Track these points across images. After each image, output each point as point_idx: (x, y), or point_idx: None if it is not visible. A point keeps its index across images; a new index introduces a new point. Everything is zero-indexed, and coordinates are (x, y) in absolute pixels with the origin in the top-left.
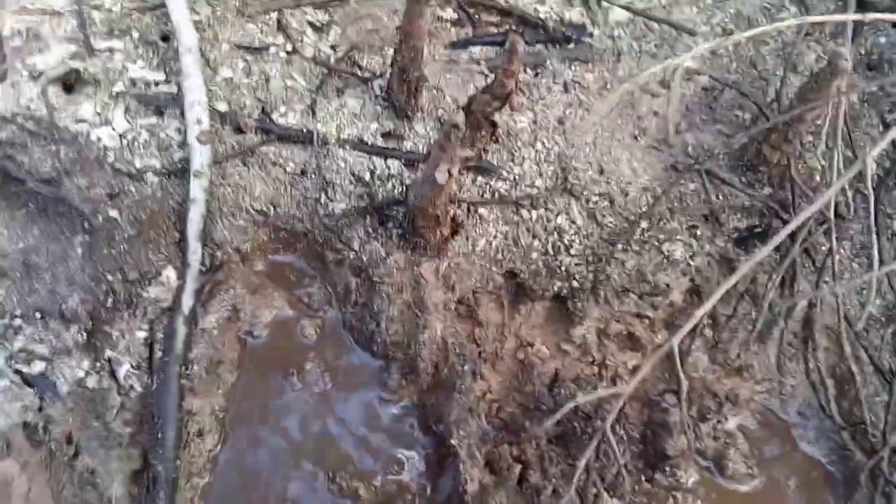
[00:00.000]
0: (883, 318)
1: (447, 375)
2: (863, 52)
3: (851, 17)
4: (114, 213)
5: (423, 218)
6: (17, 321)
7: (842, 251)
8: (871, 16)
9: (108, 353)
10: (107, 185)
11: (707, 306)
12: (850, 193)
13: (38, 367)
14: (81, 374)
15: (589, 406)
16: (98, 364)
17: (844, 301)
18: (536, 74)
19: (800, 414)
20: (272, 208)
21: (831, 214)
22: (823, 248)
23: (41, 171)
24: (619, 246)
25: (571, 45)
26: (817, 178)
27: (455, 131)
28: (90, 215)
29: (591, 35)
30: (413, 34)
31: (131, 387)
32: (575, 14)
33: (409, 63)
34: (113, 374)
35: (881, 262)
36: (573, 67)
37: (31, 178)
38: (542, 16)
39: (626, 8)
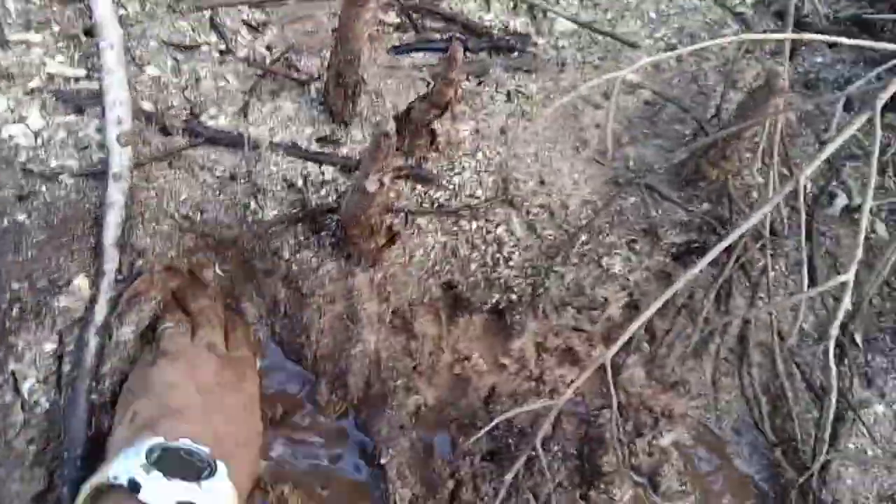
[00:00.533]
0: (815, 335)
1: (379, 391)
2: (801, 70)
3: (789, 36)
4: (21, 217)
5: (355, 227)
6: None
7: (777, 268)
8: (807, 36)
9: (13, 365)
10: (15, 186)
11: (641, 320)
12: (785, 211)
13: None
14: None
15: (525, 422)
16: (1, 378)
17: (778, 318)
18: (480, 83)
19: (734, 430)
20: (199, 214)
21: (766, 231)
22: (759, 264)
23: None
24: (559, 259)
25: (515, 55)
26: (755, 194)
27: (385, 140)
28: (5, 220)
29: (535, 45)
30: (350, 37)
31: (36, 402)
32: (520, 23)
33: (346, 67)
34: (17, 389)
35: (813, 281)
36: (517, 77)
37: None
38: (486, 23)
39: (572, 20)
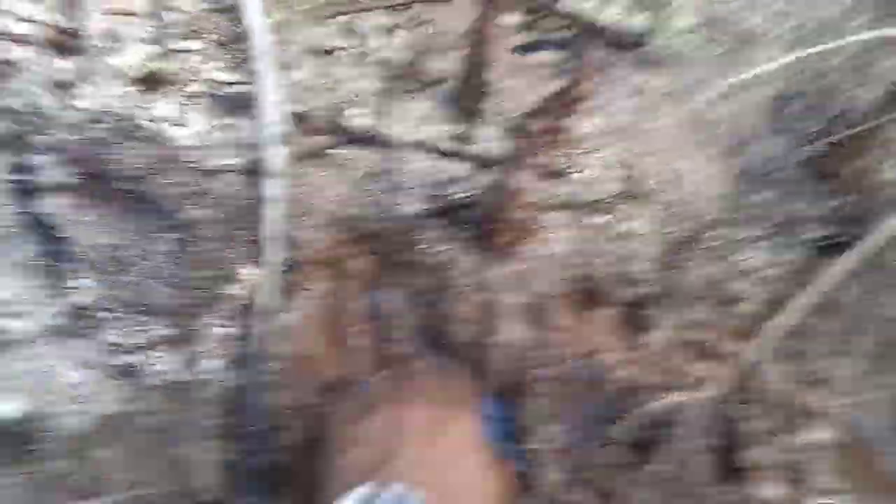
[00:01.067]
0: None
1: (519, 380)
2: None
3: None
4: (195, 212)
5: (493, 222)
6: (108, 314)
7: None
8: None
9: (194, 347)
10: (187, 184)
11: (786, 319)
12: None
13: (128, 358)
14: (169, 367)
15: (663, 414)
16: (185, 358)
17: None
18: (602, 79)
19: (884, 429)
20: (344, 209)
21: None
22: None
23: (127, 169)
24: (690, 253)
25: (636, 51)
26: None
27: (529, 137)
28: (173, 213)
29: (656, 41)
30: (479, 40)
31: (220, 380)
32: (639, 20)
33: (475, 68)
34: (199, 368)
35: None
36: (640, 73)
37: (117, 177)
38: (606, 21)
39: (693, 16)
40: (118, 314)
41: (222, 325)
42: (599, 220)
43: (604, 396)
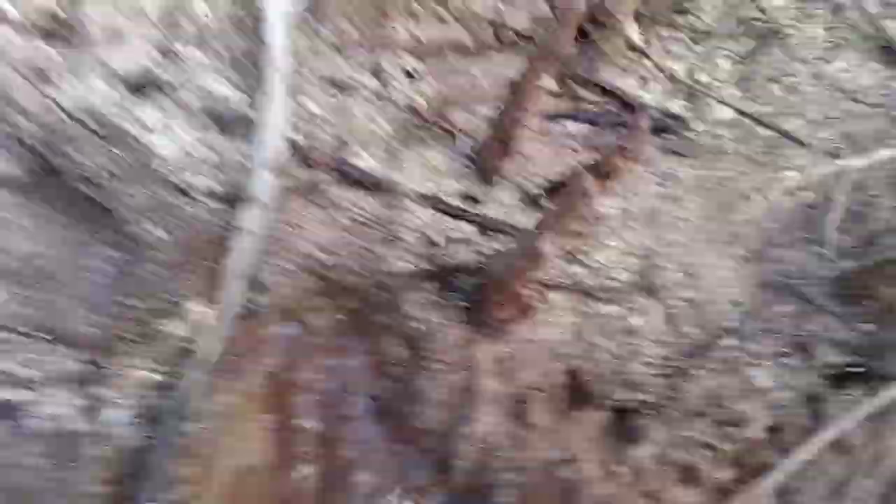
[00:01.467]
0: None
1: (484, 482)
2: None
3: None
4: (159, 232)
5: (500, 292)
6: (14, 336)
7: None
8: None
9: (105, 391)
10: (156, 199)
11: (794, 459)
12: None
13: (14, 393)
14: (64, 410)
15: None
16: (89, 402)
17: None
18: (633, 161)
19: None
20: (328, 256)
21: None
22: None
23: (92, 172)
24: (699, 361)
25: (671, 137)
26: None
27: (583, 196)
28: (134, 229)
29: (692, 130)
30: (520, 97)
31: (124, 438)
32: (677, 106)
33: (510, 125)
34: (101, 418)
35: None
36: (671, 160)
37: (79, 179)
38: (644, 102)
39: (734, 108)
40: (20, 337)
41: (146, 370)
42: (606, 309)
43: None
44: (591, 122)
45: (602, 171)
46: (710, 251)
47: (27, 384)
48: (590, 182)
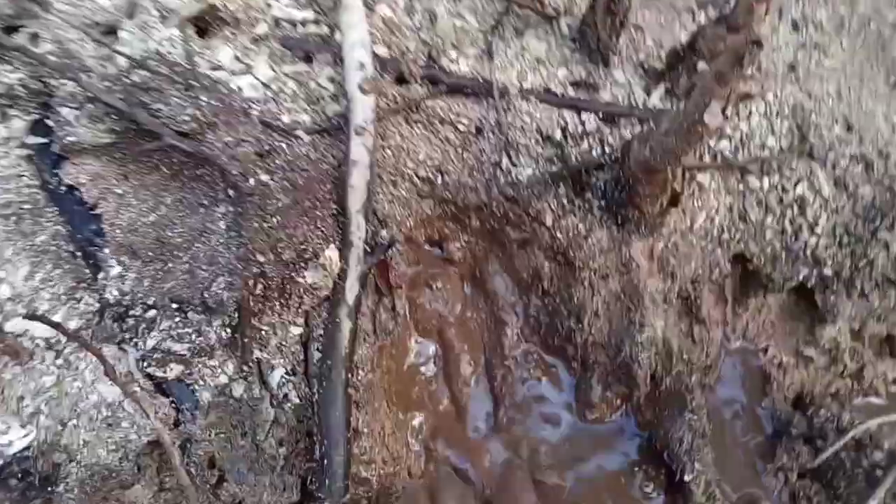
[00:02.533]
0: None
1: (670, 387)
2: None
3: None
4: (265, 177)
5: (648, 183)
6: (151, 312)
7: None
8: None
9: (257, 353)
10: (255, 142)
11: None
12: None
13: (174, 370)
14: (225, 379)
15: (861, 433)
16: (245, 368)
17: None
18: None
19: None
20: (439, 176)
21: None
22: None
23: (179, 121)
24: (883, 223)
25: None
26: None
27: (748, 52)
28: (239, 178)
29: None
30: None
31: (285, 396)
32: None
33: None
34: (263, 381)
35: None
36: (801, 2)
37: (168, 131)
38: None
39: None
40: (162, 312)
41: (292, 324)
42: (763, 182)
43: (770, 410)
44: None
45: (740, 21)
46: (869, 97)
47: (184, 358)
48: (716, 38)
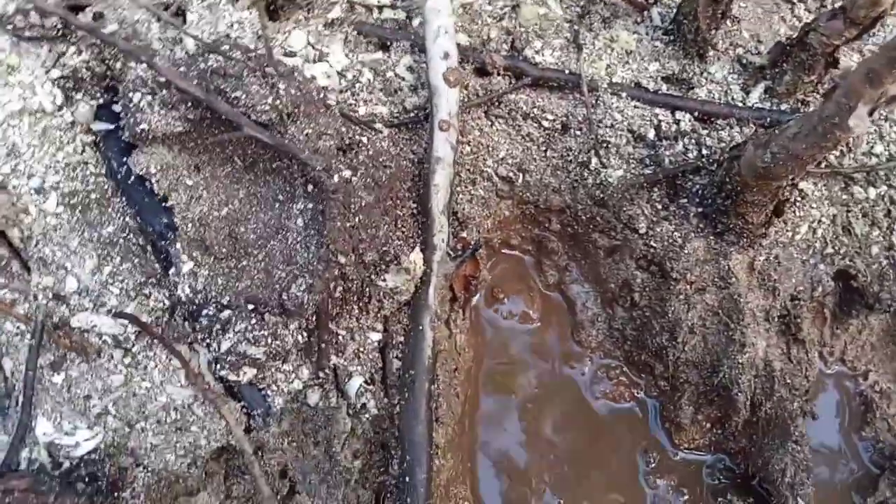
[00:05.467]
0: None
1: (771, 414)
2: None
3: None
4: (348, 173)
5: (759, 191)
6: (225, 313)
7: None
8: None
9: (334, 359)
10: (336, 135)
11: None
12: None
13: (247, 374)
14: (299, 385)
15: None
16: (321, 374)
17: None
18: None
19: None
20: (520, 175)
21: None
22: None
23: (259, 111)
24: None
25: None
26: None
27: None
28: (322, 175)
29: None
30: None
31: (363, 406)
32: None
33: None
34: (340, 389)
35: None
36: None
37: (247, 121)
38: None
39: None
40: (237, 313)
41: (373, 330)
42: (870, 192)
43: (872, 440)
44: None
45: (861, 14)
46: None
47: (259, 362)
48: (832, 33)
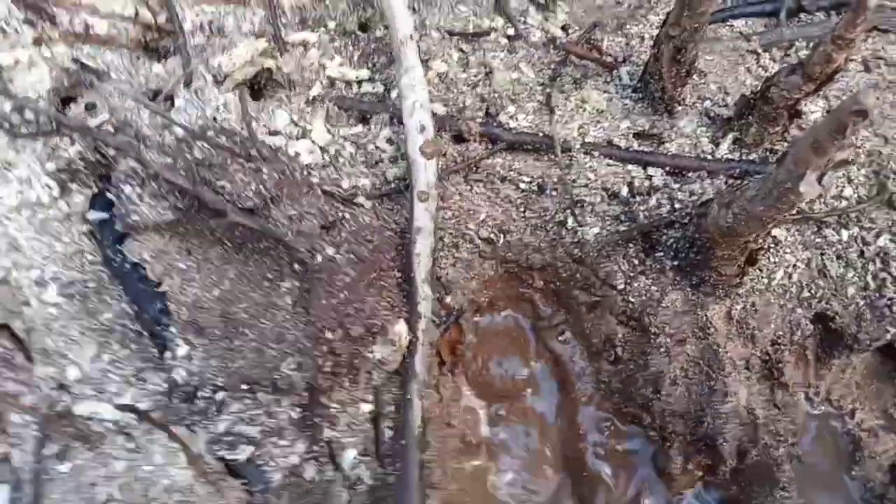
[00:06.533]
0: None
1: (757, 461)
2: None
3: None
4: (331, 251)
5: (727, 246)
6: (220, 394)
7: None
8: None
9: (328, 432)
10: (319, 214)
11: None
12: None
13: (245, 452)
14: (296, 459)
15: None
16: (315, 448)
17: None
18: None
19: None
20: (501, 236)
21: None
22: None
23: (244, 198)
24: None
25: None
26: None
27: (858, 120)
28: (305, 255)
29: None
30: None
31: (359, 479)
32: None
33: (688, 38)
34: (335, 462)
35: None
36: (871, 41)
37: (232, 209)
38: None
39: None
40: (232, 393)
41: (361, 402)
42: (842, 234)
43: (861, 479)
44: (763, 15)
45: (817, 71)
46: None
47: (256, 440)
48: (792, 87)
